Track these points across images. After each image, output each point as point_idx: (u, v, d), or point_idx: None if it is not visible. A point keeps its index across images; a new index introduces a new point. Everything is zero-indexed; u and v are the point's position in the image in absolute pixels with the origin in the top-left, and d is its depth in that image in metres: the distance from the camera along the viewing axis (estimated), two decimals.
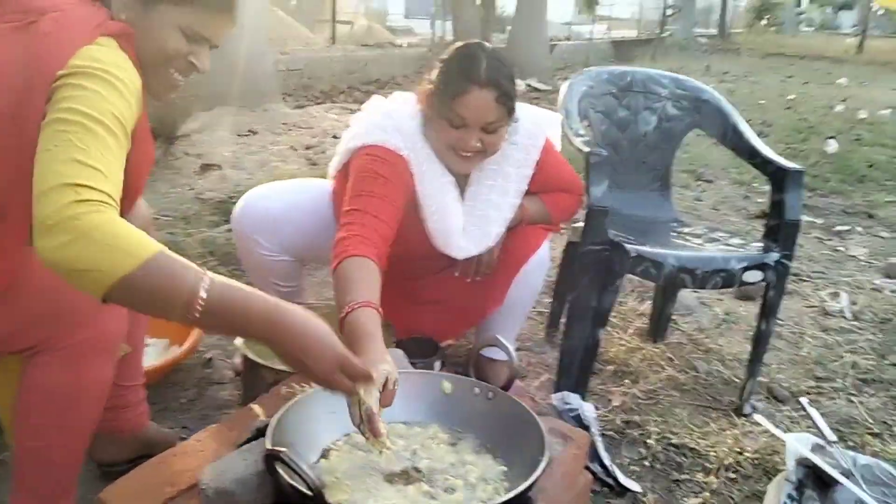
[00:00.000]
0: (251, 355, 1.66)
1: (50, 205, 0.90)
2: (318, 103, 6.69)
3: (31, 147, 0.98)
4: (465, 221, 1.74)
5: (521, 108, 1.73)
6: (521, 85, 8.78)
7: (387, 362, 1.12)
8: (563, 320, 2.31)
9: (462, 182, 1.76)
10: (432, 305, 1.94)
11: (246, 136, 4.85)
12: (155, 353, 2.01)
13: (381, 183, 1.55)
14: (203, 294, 0.92)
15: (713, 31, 21.16)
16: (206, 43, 1.26)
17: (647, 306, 2.55)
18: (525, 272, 1.83)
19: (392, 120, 1.66)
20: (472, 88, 1.53)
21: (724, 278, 1.84)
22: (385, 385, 1.08)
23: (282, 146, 4.62)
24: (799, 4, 30.91)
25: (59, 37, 1.08)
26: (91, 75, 1.03)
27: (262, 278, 1.93)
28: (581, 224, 2.09)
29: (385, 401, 1.08)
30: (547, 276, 1.94)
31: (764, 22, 23.27)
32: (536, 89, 8.79)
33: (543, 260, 1.89)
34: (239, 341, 1.68)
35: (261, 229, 1.83)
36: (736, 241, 2.08)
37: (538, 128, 1.82)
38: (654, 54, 13.33)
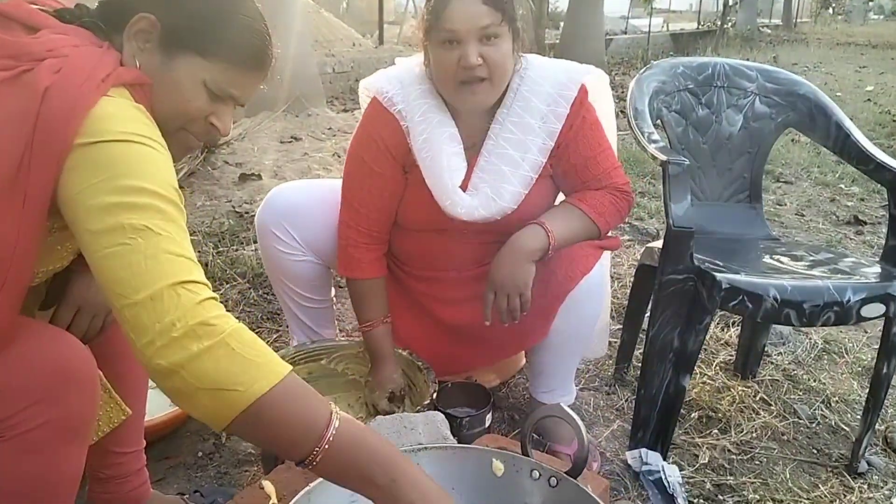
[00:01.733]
0: None
1: (169, 311, 0.80)
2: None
3: (35, 216, 0.87)
4: (475, 178, 1.50)
5: (553, 61, 1.58)
6: None
7: (392, 382, 1.60)
8: (637, 352, 2.00)
9: (479, 138, 1.53)
10: (467, 334, 1.67)
11: (289, 142, 4.66)
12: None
13: (368, 173, 1.55)
14: (336, 424, 0.84)
15: (777, 21, 20.28)
16: (232, 102, 1.05)
17: (732, 334, 2.21)
18: (575, 299, 1.52)
19: (396, 69, 1.59)
20: None
21: (838, 314, 1.51)
22: (392, 394, 1.58)
23: (325, 153, 4.40)
24: None
25: (63, 93, 0.87)
26: (125, 142, 0.88)
27: (284, 287, 1.73)
28: (656, 244, 1.78)
29: None
30: (616, 299, 1.65)
31: (831, 11, 22.15)
32: None
33: (598, 284, 1.56)
34: None
35: (280, 222, 1.64)
36: (848, 262, 1.73)
37: (569, 76, 1.53)
38: (715, 46, 12.72)
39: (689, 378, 1.57)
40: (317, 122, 5.18)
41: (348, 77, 7.16)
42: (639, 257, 2.84)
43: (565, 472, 1.03)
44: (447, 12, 1.39)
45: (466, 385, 1.63)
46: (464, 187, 1.50)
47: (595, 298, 1.57)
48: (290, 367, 0.84)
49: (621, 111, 2.15)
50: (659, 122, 1.91)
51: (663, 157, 1.58)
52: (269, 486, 1.16)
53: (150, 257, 0.82)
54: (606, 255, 1.66)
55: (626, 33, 13.61)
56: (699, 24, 15.88)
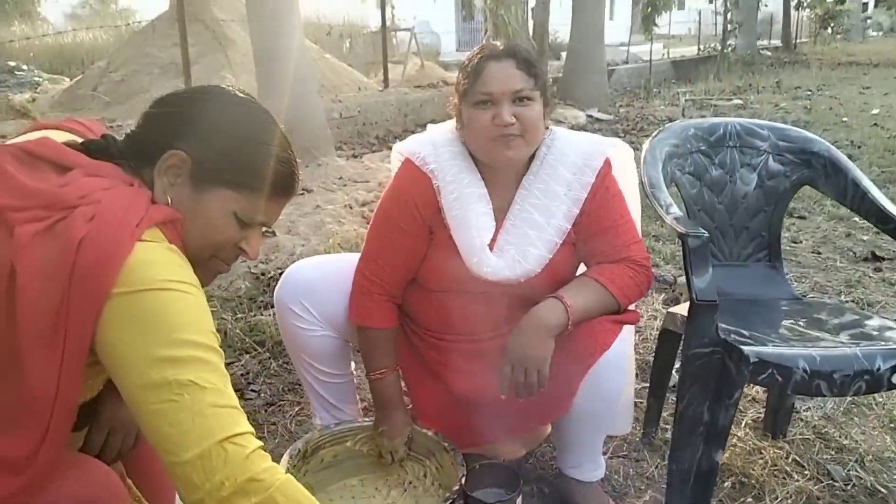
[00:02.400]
0: None
1: (218, 469, 0.84)
2: (374, 151, 6.52)
3: (73, 366, 0.88)
4: (501, 240, 1.54)
5: (578, 133, 1.64)
6: (580, 116, 8.46)
7: (407, 425, 1.68)
8: (665, 413, 1.98)
9: (506, 202, 1.57)
10: (485, 407, 1.66)
11: (300, 195, 4.69)
12: None
13: (394, 229, 1.58)
14: None
15: (777, 42, 20.41)
16: (260, 227, 1.08)
17: (759, 389, 2.19)
18: (596, 375, 1.50)
19: (429, 134, 1.65)
20: (489, 63, 1.49)
21: (869, 383, 1.48)
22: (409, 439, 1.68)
23: (337, 205, 4.43)
24: (865, 9, 29.59)
25: (98, 243, 0.87)
26: (167, 291, 0.89)
27: (302, 361, 1.74)
28: (679, 310, 1.78)
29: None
30: (638, 354, 1.63)
31: (829, 30, 22.26)
32: (598, 120, 8.45)
33: (619, 359, 1.54)
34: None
35: (298, 298, 1.67)
36: (874, 325, 1.72)
37: (595, 148, 1.58)
38: (717, 72, 12.81)
39: (721, 453, 1.55)
40: (327, 172, 5.22)
41: (355, 122, 7.23)
42: (656, 307, 2.86)
43: None
44: (483, 77, 1.47)
45: (494, 466, 1.61)
46: (490, 247, 1.53)
47: (617, 374, 1.56)
48: None
49: (631, 144, 2.13)
50: (673, 184, 1.92)
51: (682, 230, 1.58)
52: None
53: (198, 413, 0.84)
54: (629, 330, 1.66)
55: (627, 62, 13.73)
56: (699, 49, 16.01)
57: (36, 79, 9.21)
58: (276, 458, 1.45)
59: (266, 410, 2.17)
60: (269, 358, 2.44)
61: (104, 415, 1.13)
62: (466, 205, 1.53)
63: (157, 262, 0.91)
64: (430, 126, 1.71)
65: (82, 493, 0.96)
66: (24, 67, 9.66)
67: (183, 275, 0.92)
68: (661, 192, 1.77)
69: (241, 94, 1.09)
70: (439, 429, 1.66)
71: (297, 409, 2.17)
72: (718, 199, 1.99)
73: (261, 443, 0.89)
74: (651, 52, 13.04)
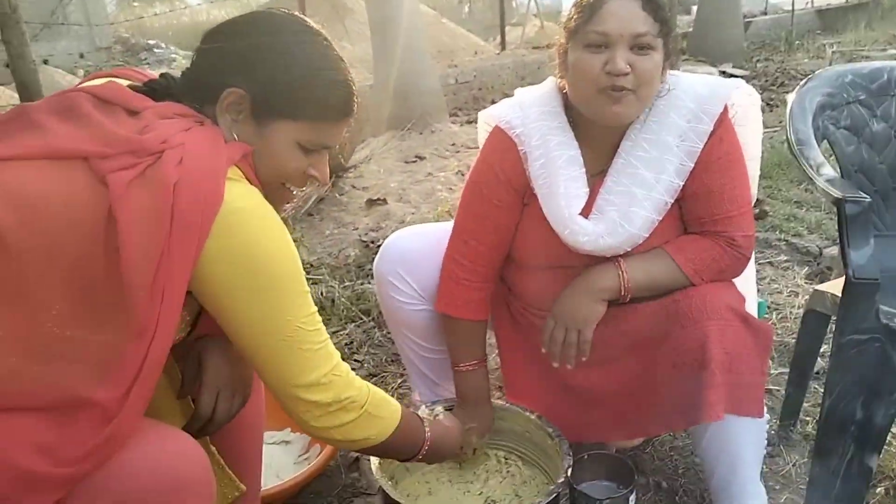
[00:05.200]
0: (388, 489, 1.32)
1: (328, 392, 1.02)
2: None
3: (172, 310, 0.91)
4: (601, 200, 1.35)
5: (694, 76, 1.43)
6: (712, 73, 7.86)
7: (488, 433, 1.56)
8: (805, 405, 1.74)
9: (606, 160, 1.38)
10: (598, 401, 1.51)
11: (413, 162, 4.63)
12: (294, 452, 1.75)
13: (485, 204, 1.46)
14: (428, 436, 1.24)
15: None
16: (326, 150, 1.10)
17: None
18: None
19: (516, 97, 1.50)
20: None
21: None
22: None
23: (448, 172, 4.33)
24: None
25: (193, 188, 0.91)
26: (262, 234, 0.96)
27: (402, 335, 1.67)
28: (827, 288, 1.53)
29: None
30: (776, 335, 1.40)
31: None
32: (732, 76, 7.82)
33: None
34: (376, 471, 1.36)
35: (397, 270, 1.59)
36: None
37: (714, 90, 1.35)
38: (869, 20, 11.54)
39: (876, 457, 1.32)
40: (440, 139, 5.13)
41: (471, 87, 7.08)
42: (798, 281, 2.55)
43: None
44: (601, 13, 1.27)
45: (604, 456, 1.45)
46: (586, 214, 1.36)
47: None
48: (402, 409, 1.17)
49: (766, 103, 1.86)
50: (825, 140, 1.65)
51: (838, 194, 1.33)
52: None
53: (306, 352, 0.99)
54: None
55: (766, 14, 12.68)
56: None
57: (172, 56, 9.72)
58: None
59: (368, 381, 2.11)
60: (374, 327, 2.39)
61: (210, 378, 1.13)
62: (554, 171, 1.36)
63: (247, 207, 0.95)
64: (518, 90, 1.54)
65: (161, 458, 0.94)
66: (163, 45, 10.22)
67: (271, 216, 0.97)
68: (811, 150, 1.52)
69: (290, 18, 1.06)
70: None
71: (399, 380, 2.11)
72: (880, 157, 1.69)
73: (347, 365, 1.06)
74: (794, 1, 11.92)
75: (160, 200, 0.88)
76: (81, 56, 5.85)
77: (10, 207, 0.87)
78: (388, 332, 2.35)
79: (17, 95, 2.70)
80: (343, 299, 2.52)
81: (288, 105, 1.02)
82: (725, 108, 1.35)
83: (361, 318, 2.44)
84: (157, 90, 1.04)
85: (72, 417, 0.89)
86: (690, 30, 9.40)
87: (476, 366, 1.53)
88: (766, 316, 2.25)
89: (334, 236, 3.40)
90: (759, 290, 2.37)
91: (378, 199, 3.83)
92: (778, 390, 1.85)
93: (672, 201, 1.35)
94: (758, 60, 8.73)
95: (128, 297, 0.88)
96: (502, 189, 1.43)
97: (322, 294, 2.54)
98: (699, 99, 1.35)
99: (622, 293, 1.36)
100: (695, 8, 10.29)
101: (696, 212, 1.38)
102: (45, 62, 5.99)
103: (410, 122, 5.15)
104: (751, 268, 1.56)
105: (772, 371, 1.97)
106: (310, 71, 1.03)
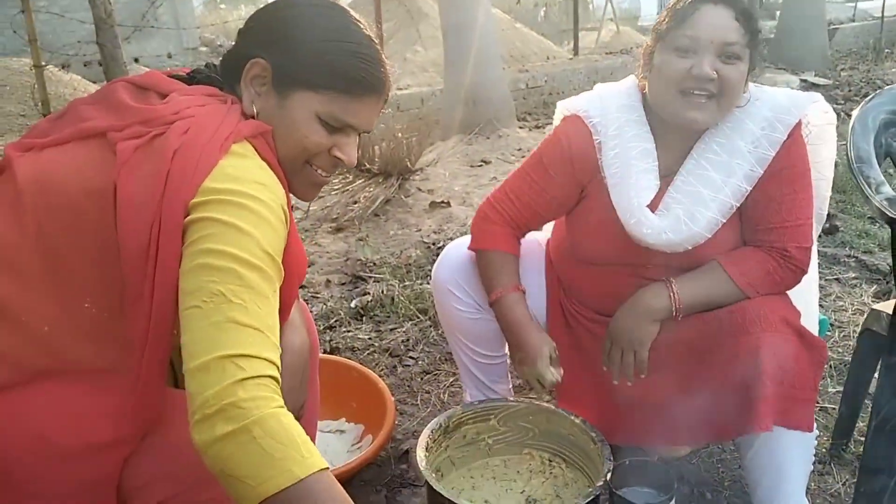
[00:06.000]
0: (433, 482, 1.38)
1: (209, 384, 0.79)
2: None
3: (168, 272, 0.88)
4: (668, 198, 1.38)
5: (774, 88, 1.46)
6: (793, 81, 7.61)
7: (545, 343, 1.50)
8: (860, 423, 1.71)
9: (678, 158, 1.40)
10: (645, 407, 1.52)
11: (479, 166, 4.69)
12: (347, 441, 1.83)
13: (540, 170, 1.49)
14: None
15: None
16: (353, 131, 1.06)
17: None
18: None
19: (595, 91, 1.53)
20: (704, 6, 1.32)
21: None
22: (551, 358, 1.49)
23: None
24: None
25: (189, 153, 0.91)
26: (229, 203, 0.89)
27: (457, 339, 1.71)
28: (884, 307, 1.51)
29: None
30: (835, 353, 1.39)
31: None
32: (813, 84, 7.55)
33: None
34: (423, 467, 1.42)
35: (455, 279, 1.62)
36: None
37: (791, 101, 1.37)
38: None
39: None
40: (507, 144, 5.17)
41: (541, 92, 7.09)
42: (865, 299, 2.48)
43: None
44: (694, 18, 1.32)
45: (645, 464, 1.48)
46: (653, 209, 1.39)
47: None
48: (315, 468, 0.79)
49: (847, 114, 1.84)
50: (888, 158, 1.62)
51: (893, 214, 1.32)
52: None
53: (214, 325, 0.81)
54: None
55: (853, 21, 12.16)
56: None
57: None
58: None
59: (421, 378, 2.18)
60: (430, 326, 2.45)
61: None
62: (627, 161, 1.40)
63: (241, 174, 0.92)
64: (598, 85, 1.58)
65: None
66: None
67: (262, 191, 0.92)
68: (870, 169, 1.51)
69: None
70: (586, 417, 1.55)
71: (451, 379, 2.16)
72: None
73: (270, 372, 0.82)
74: (883, 6, 11.37)
75: (159, 165, 0.90)
76: (169, 56, 6.17)
77: (40, 192, 0.93)
78: (444, 332, 2.42)
79: None
80: (402, 298, 2.60)
81: (307, 73, 1.01)
82: (799, 122, 1.37)
83: (419, 317, 2.51)
84: (195, 77, 1.08)
85: (100, 387, 0.94)
86: (772, 36, 9.12)
87: (511, 289, 1.53)
88: (828, 333, 2.21)
89: (398, 237, 3.49)
90: (823, 307, 2.34)
91: (441, 202, 3.90)
92: (833, 408, 1.82)
93: (737, 205, 1.37)
94: (842, 69, 8.41)
95: (123, 260, 0.90)
96: (565, 166, 1.46)
97: (382, 292, 2.63)
98: (777, 108, 1.37)
99: (674, 313, 1.40)
100: (778, 13, 9.98)
101: (753, 218, 1.39)
102: (136, 61, 6.35)
103: (478, 126, 5.21)
104: (813, 282, 1.56)
105: (829, 389, 1.94)
106: (330, 41, 1.02)
